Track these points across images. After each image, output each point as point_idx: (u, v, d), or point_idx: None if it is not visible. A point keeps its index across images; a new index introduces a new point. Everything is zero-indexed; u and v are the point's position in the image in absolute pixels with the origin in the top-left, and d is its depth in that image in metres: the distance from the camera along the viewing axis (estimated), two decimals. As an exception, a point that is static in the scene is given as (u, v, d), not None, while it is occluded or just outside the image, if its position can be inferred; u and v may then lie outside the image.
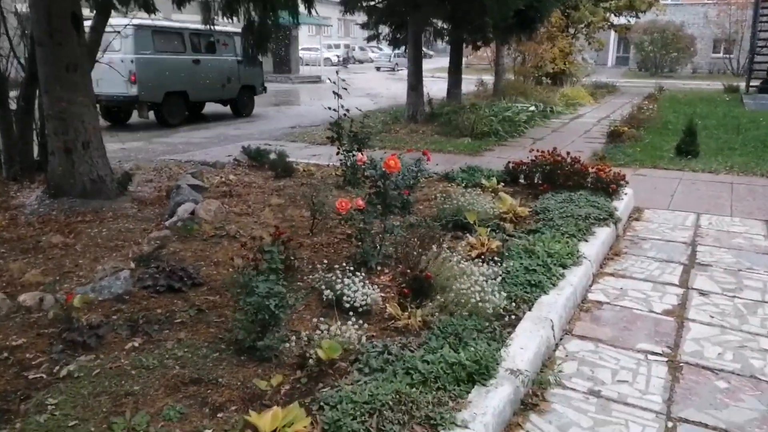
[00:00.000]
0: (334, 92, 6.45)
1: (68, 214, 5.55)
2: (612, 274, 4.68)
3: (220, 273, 4.12)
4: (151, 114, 13.74)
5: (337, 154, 6.81)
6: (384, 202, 4.31)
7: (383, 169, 4.04)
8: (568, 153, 6.52)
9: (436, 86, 18.69)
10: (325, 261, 4.42)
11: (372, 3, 14.49)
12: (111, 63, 10.63)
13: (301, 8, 8.05)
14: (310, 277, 4.02)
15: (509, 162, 7.03)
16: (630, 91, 24.32)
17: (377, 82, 30.07)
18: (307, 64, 39.53)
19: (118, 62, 11.82)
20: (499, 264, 4.21)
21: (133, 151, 10.68)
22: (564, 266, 4.24)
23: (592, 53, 28.18)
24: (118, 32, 10.73)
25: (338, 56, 48.62)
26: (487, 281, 3.57)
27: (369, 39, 16.72)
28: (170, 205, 5.50)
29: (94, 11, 6.75)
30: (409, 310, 3.45)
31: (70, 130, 5.76)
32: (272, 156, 8.12)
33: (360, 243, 4.26)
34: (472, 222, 5.03)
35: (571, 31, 22.13)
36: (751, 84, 20.67)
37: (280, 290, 3.08)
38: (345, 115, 6.66)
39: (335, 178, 7.08)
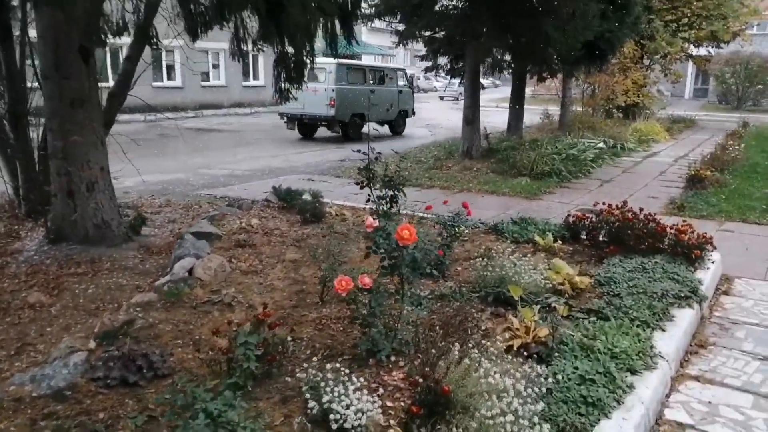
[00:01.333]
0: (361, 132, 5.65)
1: (62, 264, 4.98)
2: (697, 378, 3.61)
3: (197, 358, 3.37)
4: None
5: (367, 201, 6.02)
6: (400, 279, 3.46)
7: (395, 241, 3.20)
8: (641, 210, 5.47)
9: (500, 118, 17.76)
10: (328, 344, 3.59)
11: (429, 33, 13.82)
12: (316, 91, 15.35)
13: (365, 37, 7.69)
14: (301, 372, 3.20)
15: (569, 215, 6.03)
16: (709, 125, 22.54)
17: (439, 112, 29.35)
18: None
19: (322, 90, 15.97)
20: (545, 365, 3.26)
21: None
22: (633, 371, 3.24)
23: (667, 85, 26.48)
24: (323, 68, 15.59)
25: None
26: (524, 404, 2.63)
27: (427, 70, 16.04)
28: (171, 260, 4.84)
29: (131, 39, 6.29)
30: (416, 439, 2.57)
31: (73, 171, 5.23)
32: (305, 196, 7.43)
33: (366, 331, 3.41)
34: (516, 298, 4.08)
35: (646, 62, 20.74)
36: None
37: (231, 419, 2.27)
38: (377, 156, 5.88)
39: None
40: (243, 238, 5.69)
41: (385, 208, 5.92)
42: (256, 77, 28.30)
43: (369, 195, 5.92)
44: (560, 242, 5.72)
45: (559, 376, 3.06)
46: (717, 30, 20.20)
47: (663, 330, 3.82)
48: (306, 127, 17.60)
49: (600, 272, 4.83)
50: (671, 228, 5.27)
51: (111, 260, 5.14)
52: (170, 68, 24.93)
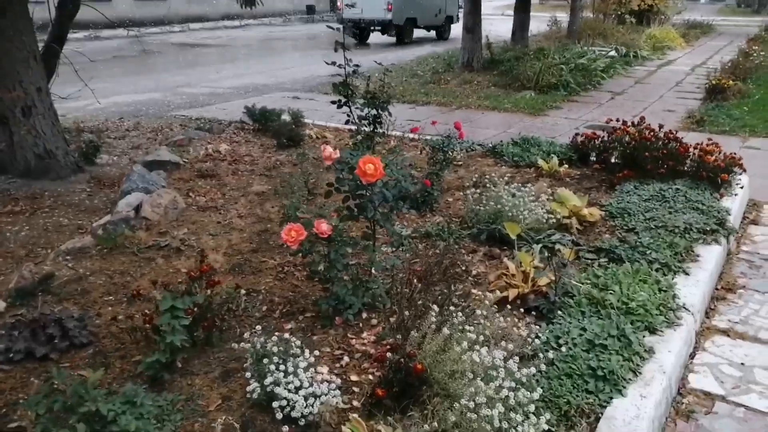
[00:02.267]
0: (336, 42, 4.86)
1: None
2: (726, 332, 3.05)
3: (128, 321, 2.81)
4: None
5: (347, 123, 5.30)
6: (370, 222, 2.83)
7: (358, 176, 2.54)
8: (660, 127, 4.75)
9: (505, 26, 16.50)
10: (290, 297, 3.03)
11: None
12: None
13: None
14: (253, 335, 2.65)
15: (577, 134, 5.31)
16: (729, 31, 21.12)
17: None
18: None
19: None
20: (547, 323, 2.70)
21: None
22: (652, 330, 2.67)
23: (684, -13, 24.68)
24: None
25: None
26: (518, 388, 2.06)
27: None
28: (118, 196, 4.22)
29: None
30: (381, 432, 2.03)
31: (2, 93, 4.50)
32: (283, 117, 6.70)
33: (327, 287, 2.81)
34: (513, 237, 3.47)
35: (663, -39, 19.09)
36: None
37: (126, 428, 1.71)
38: (355, 69, 5.08)
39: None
40: (207, 167, 5.03)
41: (367, 130, 5.22)
42: (244, -14, 26.48)
43: (348, 115, 5.23)
44: (566, 166, 5.04)
45: (562, 339, 2.49)
46: None
47: (687, 274, 3.22)
48: (362, 31, 18.81)
49: (612, 202, 4.19)
50: (694, 148, 4.57)
51: (54, 196, 4.52)
52: (152, -22, 23.28)
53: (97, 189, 4.72)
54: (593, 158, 5.17)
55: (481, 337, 2.29)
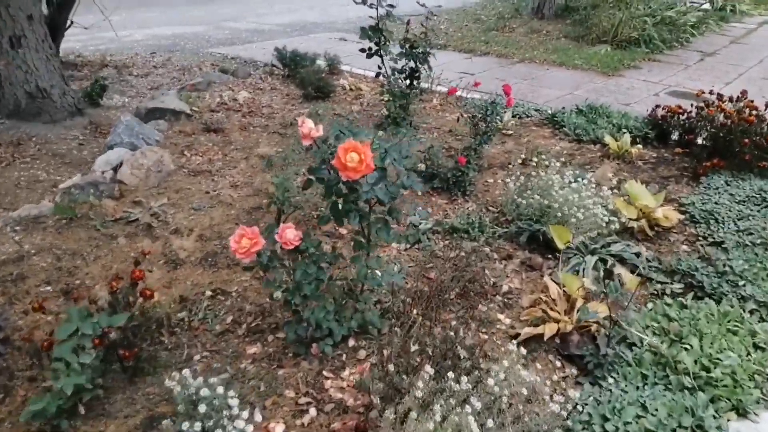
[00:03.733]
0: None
1: (-23, 145, 3.89)
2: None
3: (62, 315, 2.25)
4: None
5: (377, 75, 4.53)
6: (360, 227, 2.12)
7: (338, 171, 1.82)
8: (767, 105, 3.75)
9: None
10: (264, 306, 2.39)
11: None
12: None
13: None
14: (199, 360, 2.05)
15: (657, 107, 4.35)
16: None
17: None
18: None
19: None
20: (592, 384, 1.98)
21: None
22: (741, 412, 1.91)
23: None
24: None
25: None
26: None
27: None
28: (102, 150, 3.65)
29: None
30: None
31: (-13, 20, 3.95)
32: (318, 62, 5.95)
33: (293, 314, 2.14)
34: (562, 247, 2.70)
35: None
36: None
37: None
38: (388, 11, 4.25)
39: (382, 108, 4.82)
40: (216, 119, 4.39)
41: (401, 87, 4.44)
42: None
43: (380, 67, 4.45)
44: (640, 146, 4.13)
45: (612, 425, 1.76)
46: None
47: (793, 319, 2.39)
48: None
49: (695, 200, 3.32)
50: (811, 136, 3.59)
51: (41, 142, 4.00)
52: None
53: (91, 137, 4.18)
54: (675, 138, 4.23)
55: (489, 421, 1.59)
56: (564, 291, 2.38)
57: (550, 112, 4.82)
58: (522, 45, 8.52)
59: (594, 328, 2.21)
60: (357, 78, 5.91)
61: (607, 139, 4.10)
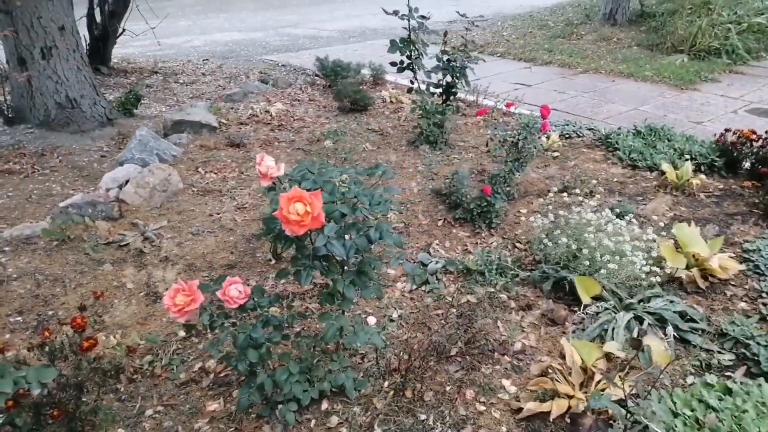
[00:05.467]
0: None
1: (4, 154, 3.89)
2: None
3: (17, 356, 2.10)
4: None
5: (409, 91, 4.22)
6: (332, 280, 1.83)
7: (281, 223, 1.53)
8: None
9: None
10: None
11: None
12: None
13: None
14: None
15: (726, 131, 3.81)
16: None
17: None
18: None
19: None
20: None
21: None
22: None
23: None
24: None
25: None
26: None
27: None
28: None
29: None
30: None
31: (20, 29, 3.95)
32: (363, 72, 5.72)
33: (249, 374, 1.87)
34: (587, 301, 2.31)
35: None
36: None
37: None
38: (422, 22, 3.95)
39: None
40: (242, 133, 4.22)
41: (436, 104, 4.12)
42: None
43: (412, 82, 4.15)
44: (703, 176, 3.62)
45: None
46: None
47: None
48: None
49: (761, 246, 2.82)
50: None
51: (64, 153, 3.96)
52: None
53: (115, 149, 4.10)
54: (747, 167, 3.69)
55: None
56: (574, 361, 2.00)
57: (604, 132, 4.35)
58: (588, 54, 7.97)
59: (611, 412, 1.83)
60: (401, 89, 5.62)
61: (665, 166, 3.61)
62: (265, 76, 6.10)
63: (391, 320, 2.35)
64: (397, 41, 3.97)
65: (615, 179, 3.72)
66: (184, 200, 3.26)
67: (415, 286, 2.57)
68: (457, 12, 4.47)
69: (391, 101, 5.17)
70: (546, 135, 4.27)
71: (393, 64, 4.06)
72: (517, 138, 3.15)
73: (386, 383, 2.00)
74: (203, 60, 7.54)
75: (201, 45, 8.82)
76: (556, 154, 4.11)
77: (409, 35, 3.98)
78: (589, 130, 4.46)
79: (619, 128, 4.34)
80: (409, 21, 3.92)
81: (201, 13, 11.90)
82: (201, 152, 3.91)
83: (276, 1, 13.85)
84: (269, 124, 4.52)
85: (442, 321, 2.34)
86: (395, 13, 3.92)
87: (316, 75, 5.93)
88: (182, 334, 2.25)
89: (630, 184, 3.67)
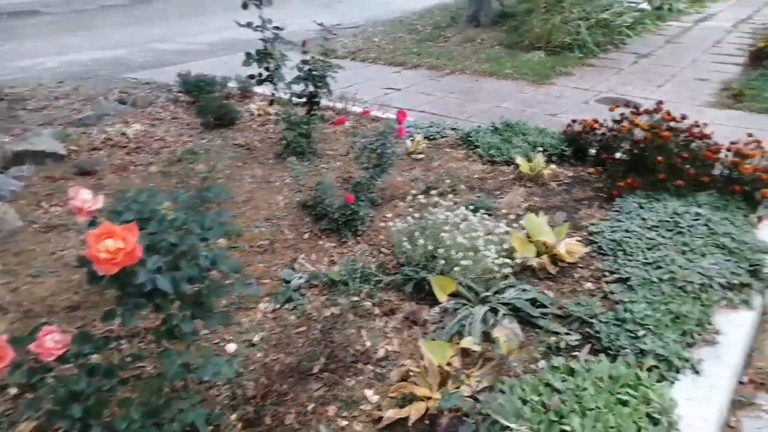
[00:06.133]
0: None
1: None
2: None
3: None
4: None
5: (271, 103, 4.18)
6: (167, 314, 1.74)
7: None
8: (682, 118, 3.49)
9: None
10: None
11: None
12: None
13: None
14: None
15: (573, 122, 4.08)
16: (781, -22, 18.87)
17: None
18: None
19: None
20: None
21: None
22: None
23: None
24: None
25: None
26: None
27: None
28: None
29: None
30: None
31: None
32: (231, 85, 5.58)
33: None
34: (443, 299, 2.37)
35: None
36: None
37: None
38: (275, 35, 3.91)
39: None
40: (94, 160, 3.97)
41: (301, 114, 4.10)
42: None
43: (273, 94, 4.10)
44: (554, 165, 3.86)
45: None
46: None
47: (697, 372, 2.10)
48: None
49: (603, 228, 3.03)
50: (727, 149, 3.34)
51: None
52: None
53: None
54: (593, 153, 3.97)
55: None
56: (428, 364, 2.04)
57: (466, 131, 4.51)
58: (455, 55, 8.26)
59: (465, 408, 1.88)
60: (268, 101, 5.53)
61: (519, 160, 3.81)
62: (125, 96, 5.79)
63: (253, 344, 2.29)
64: (253, 53, 3.90)
65: (476, 176, 3.86)
66: (23, 239, 3.00)
67: (278, 305, 2.52)
68: (314, 21, 4.45)
69: (259, 114, 5.08)
70: (410, 138, 4.38)
71: (251, 77, 3.98)
72: (375, 145, 3.19)
73: (234, 415, 1.93)
74: (57, 83, 7.03)
75: (56, 66, 8.23)
76: (421, 156, 4.21)
77: (265, 47, 3.92)
78: (452, 129, 4.61)
79: (479, 126, 4.52)
80: (263, 32, 3.87)
81: (57, 32, 11.11)
82: (45, 184, 3.63)
83: (141, 15, 13.24)
84: (125, 147, 4.29)
85: (305, 338, 2.31)
86: (248, 24, 3.85)
87: (180, 91, 5.71)
88: (14, 391, 2.05)
89: (489, 179, 3.82)
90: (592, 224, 3.13)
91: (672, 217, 2.99)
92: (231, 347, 2.27)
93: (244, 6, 3.82)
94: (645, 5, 11.47)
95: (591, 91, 6.52)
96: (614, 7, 9.95)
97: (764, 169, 3.18)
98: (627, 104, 3.75)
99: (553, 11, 8.94)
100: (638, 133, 3.48)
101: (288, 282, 2.62)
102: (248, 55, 3.90)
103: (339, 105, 5.31)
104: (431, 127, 4.66)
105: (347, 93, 5.59)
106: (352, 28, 10.94)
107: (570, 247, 2.80)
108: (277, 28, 3.86)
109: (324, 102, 4.93)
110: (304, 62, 4.04)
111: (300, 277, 2.64)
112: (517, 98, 6.27)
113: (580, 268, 2.78)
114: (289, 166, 3.95)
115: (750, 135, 3.48)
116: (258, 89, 5.86)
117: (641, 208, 3.15)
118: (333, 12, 13.46)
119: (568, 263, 2.78)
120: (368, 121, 4.99)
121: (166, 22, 12.11)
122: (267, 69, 3.94)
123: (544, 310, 2.43)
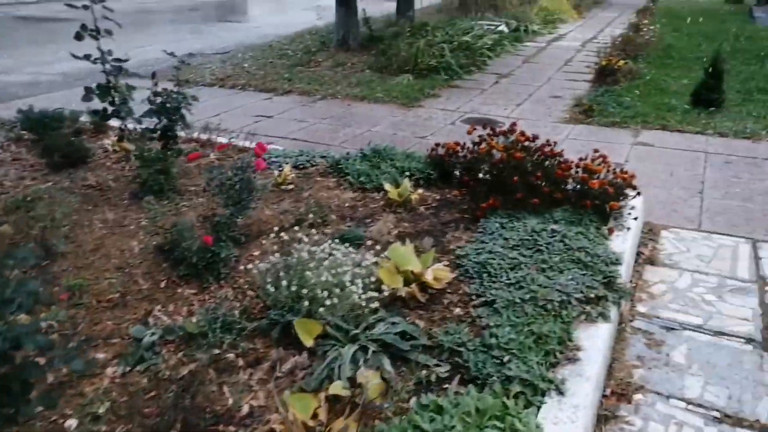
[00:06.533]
0: (83, 26, 3.38)
1: None
2: (617, 493, 2.00)
3: None
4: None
5: (120, 140, 3.90)
6: None
7: None
8: (533, 138, 3.65)
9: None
10: None
11: None
12: None
13: None
14: None
15: (437, 146, 4.16)
16: (620, 1, 20.94)
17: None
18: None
19: None
20: None
21: None
22: None
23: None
24: None
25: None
26: None
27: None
28: None
29: None
30: None
31: None
32: (84, 119, 5.14)
33: None
34: (309, 344, 2.27)
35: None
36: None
37: None
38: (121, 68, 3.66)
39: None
40: None
41: (153, 150, 3.84)
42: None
43: (122, 129, 3.82)
44: (422, 189, 3.91)
45: None
46: None
47: (561, 393, 2.14)
48: None
49: (469, 251, 3.07)
50: (577, 165, 3.54)
51: None
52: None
53: None
54: (457, 174, 4.05)
55: None
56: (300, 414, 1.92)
57: (336, 158, 4.46)
58: (326, 80, 8.26)
59: (333, 462, 1.77)
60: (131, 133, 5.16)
61: (387, 186, 3.80)
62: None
63: (97, 417, 2.04)
64: (93, 88, 3.61)
65: (346, 204, 3.81)
66: None
67: (128, 368, 2.28)
68: (164, 51, 4.21)
69: (115, 150, 4.71)
70: (279, 168, 4.26)
71: (95, 112, 3.68)
72: (234, 180, 3.03)
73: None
74: None
75: None
76: (290, 186, 4.09)
77: (108, 80, 3.64)
78: (323, 157, 4.54)
79: (348, 153, 4.48)
80: (103, 65, 3.59)
81: None
82: None
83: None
84: (-48, 195, 3.79)
85: (158, 404, 2.10)
86: (87, 57, 3.56)
87: (24, 129, 5.18)
88: None
89: (360, 207, 3.78)
90: (459, 247, 3.16)
91: (531, 236, 3.09)
92: (71, 423, 2.01)
93: (78, 37, 3.53)
94: (503, 27, 12.19)
95: (457, 112, 6.75)
96: (475, 30, 10.48)
97: (610, 183, 3.39)
98: (484, 126, 3.87)
99: (417, 35, 9.23)
100: (496, 154, 3.59)
101: (139, 340, 2.39)
102: (87, 89, 3.60)
103: (203, 136, 5.07)
104: (301, 155, 4.57)
105: (213, 122, 5.37)
106: (221, 54, 10.64)
107: (437, 273, 2.80)
108: (118, 60, 3.60)
109: (185, 133, 4.70)
110: (156, 94, 3.80)
111: (153, 333, 2.42)
112: (388, 122, 6.35)
113: (449, 293, 2.79)
114: (146, 207, 3.68)
115: (596, 151, 3.72)
116: (115, 122, 5.49)
117: (503, 228, 3.24)
118: (201, 37, 13.07)
119: (437, 289, 2.78)
120: (234, 152, 4.80)
121: (14, 51, 11.14)
122: (112, 104, 3.65)
123: (415, 342, 2.39)
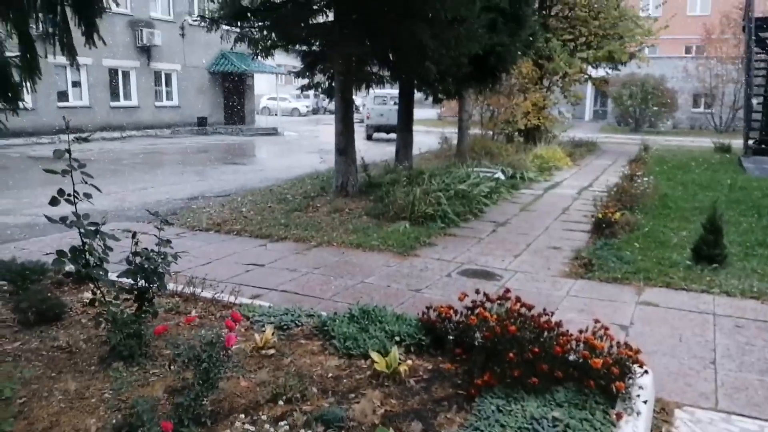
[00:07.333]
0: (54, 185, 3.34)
1: None
2: None
3: None
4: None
5: (91, 303, 3.72)
6: None
7: None
8: (529, 309, 3.44)
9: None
10: None
11: (305, 48, 11.61)
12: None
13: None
14: None
15: (428, 309, 3.94)
16: (611, 149, 21.84)
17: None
18: (274, 114, 37.27)
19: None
20: None
21: None
22: None
23: (568, 107, 25.80)
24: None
25: (307, 106, 46.53)
26: None
27: (303, 88, 13.90)
28: None
29: None
30: None
31: None
32: (68, 268, 4.97)
33: None
34: None
35: (546, 83, 19.66)
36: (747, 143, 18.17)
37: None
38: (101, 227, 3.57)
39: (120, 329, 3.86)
40: None
41: (129, 312, 3.63)
42: (127, 97, 25.10)
43: (94, 293, 3.64)
44: (414, 356, 3.63)
45: None
46: (614, 51, 19.41)
47: None
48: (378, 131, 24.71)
49: (462, 440, 2.74)
50: (577, 340, 3.29)
51: None
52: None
53: None
54: (451, 341, 3.79)
55: None
56: None
57: (323, 318, 4.23)
58: (323, 226, 8.25)
59: None
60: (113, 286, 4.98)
61: (374, 355, 3.53)
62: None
63: None
64: (67, 252, 3.49)
65: (330, 374, 3.51)
66: None
67: None
68: (148, 210, 4.15)
69: (93, 303, 4.49)
70: (262, 330, 4.02)
71: (68, 275, 3.52)
72: (203, 357, 2.78)
73: None
74: None
75: None
76: (272, 351, 3.82)
77: (83, 243, 3.53)
78: (309, 317, 4.31)
79: (335, 313, 4.26)
80: (79, 229, 3.50)
81: None
82: None
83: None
84: None
85: None
86: (62, 220, 3.49)
87: (3, 280, 5.02)
88: None
89: (345, 377, 3.48)
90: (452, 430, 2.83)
91: (530, 424, 2.78)
92: None
93: (52, 203, 3.48)
94: (500, 175, 12.50)
95: (453, 263, 6.61)
96: (471, 178, 10.70)
97: (614, 361, 3.13)
98: (477, 291, 3.68)
99: (414, 183, 9.39)
100: (491, 325, 3.37)
101: None
102: (60, 253, 3.48)
103: (188, 290, 4.88)
104: (286, 314, 4.34)
105: (203, 271, 5.22)
106: (222, 197, 10.82)
107: (424, 472, 2.46)
108: (94, 223, 3.53)
109: (170, 286, 4.52)
110: (136, 254, 3.67)
111: None
112: (383, 272, 6.19)
113: (438, 498, 2.42)
114: (114, 375, 3.39)
115: (597, 321, 3.49)
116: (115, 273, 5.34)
117: (500, 411, 2.93)
118: (205, 179, 13.43)
119: (424, 494, 2.42)
120: (218, 308, 4.59)
121: (16, 192, 11.36)
122: (86, 266, 3.51)
123: None
